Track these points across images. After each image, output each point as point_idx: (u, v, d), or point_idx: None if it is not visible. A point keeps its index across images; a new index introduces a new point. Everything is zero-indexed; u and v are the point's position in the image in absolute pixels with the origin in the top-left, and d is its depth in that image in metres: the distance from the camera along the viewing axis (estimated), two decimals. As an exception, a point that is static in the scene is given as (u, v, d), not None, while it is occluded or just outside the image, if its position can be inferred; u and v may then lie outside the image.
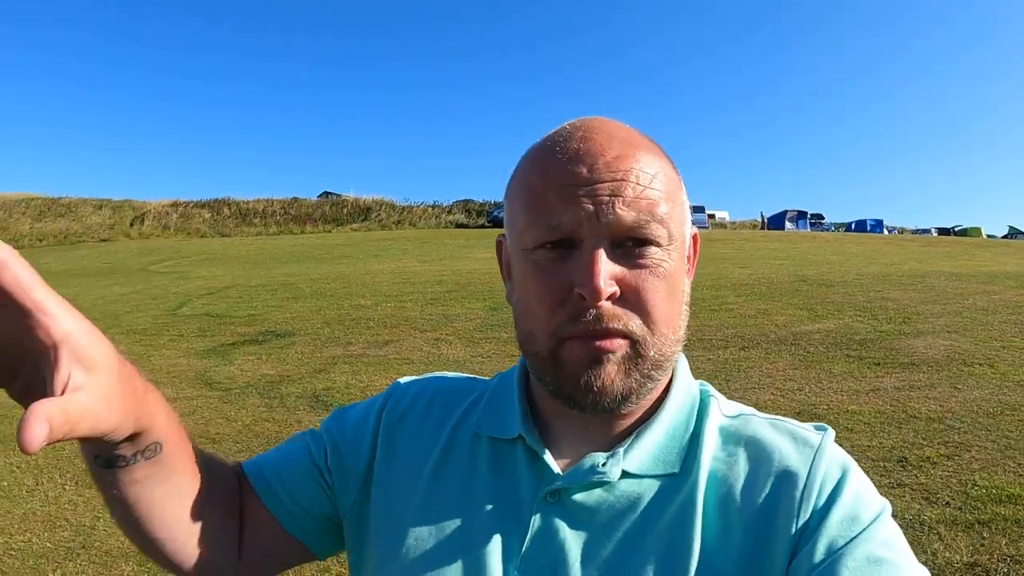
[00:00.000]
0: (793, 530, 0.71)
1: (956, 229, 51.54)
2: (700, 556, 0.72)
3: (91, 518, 4.68)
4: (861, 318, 8.87)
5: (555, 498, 0.78)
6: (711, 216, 48.52)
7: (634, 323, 0.73)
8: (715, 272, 14.56)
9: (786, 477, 0.75)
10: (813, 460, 0.75)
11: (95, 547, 4.28)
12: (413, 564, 0.79)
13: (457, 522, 0.80)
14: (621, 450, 0.78)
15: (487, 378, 0.98)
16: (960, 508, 3.94)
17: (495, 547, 0.77)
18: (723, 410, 0.84)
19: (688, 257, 0.82)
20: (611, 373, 0.73)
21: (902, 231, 53.73)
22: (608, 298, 0.71)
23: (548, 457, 0.80)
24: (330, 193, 50.57)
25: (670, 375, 0.84)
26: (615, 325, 0.72)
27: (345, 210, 43.33)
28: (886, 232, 45.61)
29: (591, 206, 0.71)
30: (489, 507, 0.80)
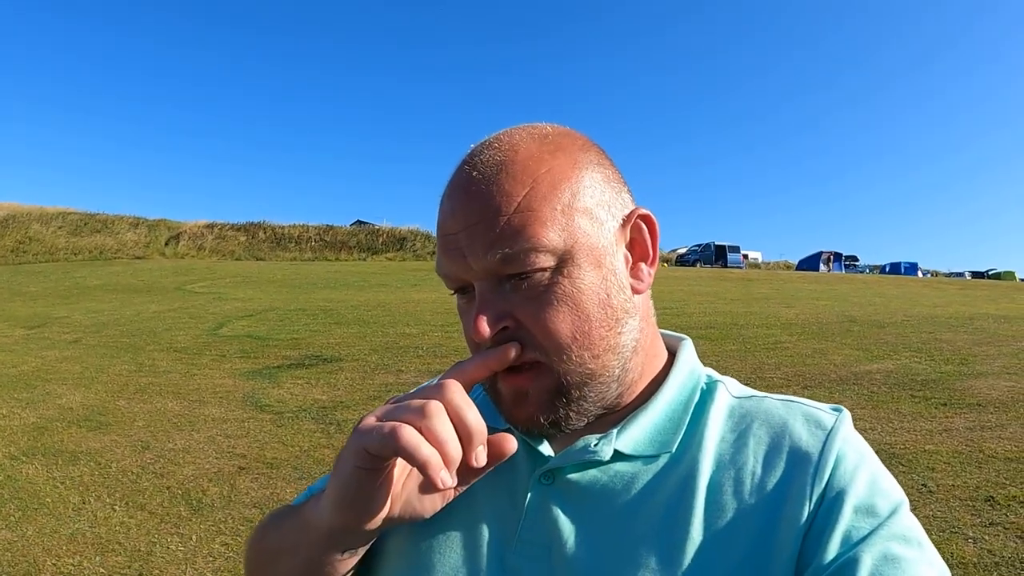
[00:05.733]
0: (804, 516, 0.69)
1: (990, 273, 51.51)
2: (703, 535, 0.70)
3: (146, 543, 4.46)
4: (918, 359, 8.67)
5: (549, 479, 0.78)
6: (745, 256, 48.46)
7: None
8: (762, 311, 14.45)
9: (797, 459, 0.73)
10: (825, 442, 0.73)
11: (153, 575, 4.10)
12: (412, 548, 0.81)
13: (455, 507, 0.81)
14: (614, 431, 0.78)
15: None
16: (1058, 551, 3.83)
17: (492, 528, 0.79)
18: (732, 391, 0.84)
19: (630, 246, 0.80)
20: (532, 410, 0.75)
21: (935, 274, 53.56)
22: (501, 331, 0.73)
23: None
24: (363, 222, 51.01)
25: (660, 366, 0.85)
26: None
27: (380, 239, 43.58)
28: (920, 275, 45.45)
29: (461, 255, 0.73)
30: (486, 491, 0.81)
